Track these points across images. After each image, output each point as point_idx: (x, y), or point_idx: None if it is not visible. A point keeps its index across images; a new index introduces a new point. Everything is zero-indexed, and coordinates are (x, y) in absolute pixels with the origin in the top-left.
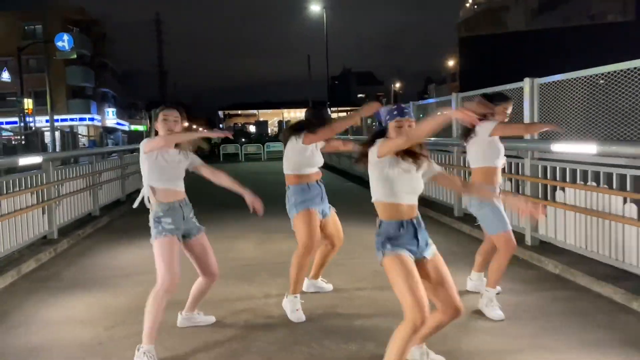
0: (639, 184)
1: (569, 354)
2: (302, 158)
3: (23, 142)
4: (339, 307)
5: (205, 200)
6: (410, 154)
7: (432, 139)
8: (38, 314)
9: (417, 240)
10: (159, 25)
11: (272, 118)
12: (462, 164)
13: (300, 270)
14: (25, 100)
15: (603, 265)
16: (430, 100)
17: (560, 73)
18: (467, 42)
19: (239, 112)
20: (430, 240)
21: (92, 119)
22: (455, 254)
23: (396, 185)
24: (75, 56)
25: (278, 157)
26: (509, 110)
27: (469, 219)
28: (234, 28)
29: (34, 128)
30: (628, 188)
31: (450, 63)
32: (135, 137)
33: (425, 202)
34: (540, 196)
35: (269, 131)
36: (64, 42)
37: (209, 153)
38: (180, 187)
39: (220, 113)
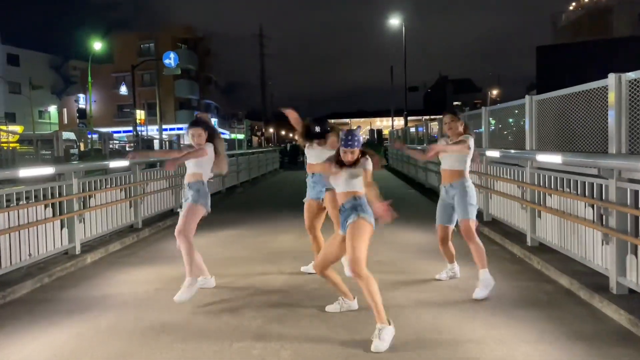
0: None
1: (523, 346)
2: None
3: (133, 149)
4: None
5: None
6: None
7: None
8: (114, 277)
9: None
10: (262, 39)
11: (364, 127)
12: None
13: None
14: (138, 111)
15: (575, 262)
16: (505, 105)
17: None
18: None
19: (332, 121)
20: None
21: None
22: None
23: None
24: (179, 72)
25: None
26: (450, 125)
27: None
28: (331, 39)
29: (142, 136)
30: (586, 193)
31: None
32: (235, 145)
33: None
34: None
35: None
36: (170, 59)
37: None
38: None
39: None
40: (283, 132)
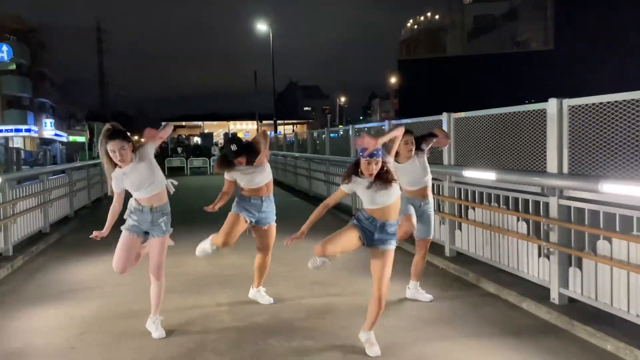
0: (529, 205)
1: (464, 342)
2: None
3: None
4: (282, 312)
5: None
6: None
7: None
8: (8, 325)
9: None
10: (100, 34)
11: (218, 130)
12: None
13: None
14: None
15: (505, 273)
16: (369, 125)
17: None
18: (405, 63)
19: (184, 123)
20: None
21: (28, 130)
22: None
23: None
24: (14, 67)
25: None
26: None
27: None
28: (181, 38)
29: None
30: (520, 209)
31: (393, 80)
32: (75, 149)
33: None
34: (456, 214)
35: (214, 143)
36: (2, 52)
37: None
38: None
39: (163, 124)
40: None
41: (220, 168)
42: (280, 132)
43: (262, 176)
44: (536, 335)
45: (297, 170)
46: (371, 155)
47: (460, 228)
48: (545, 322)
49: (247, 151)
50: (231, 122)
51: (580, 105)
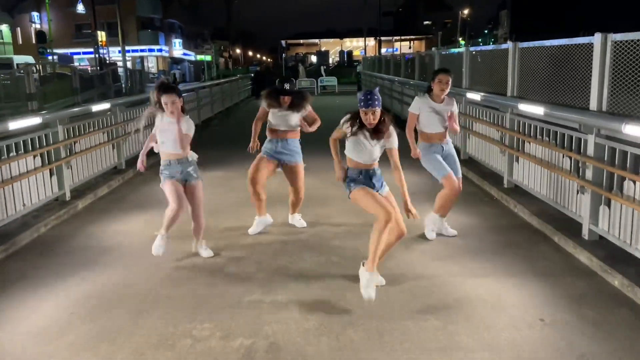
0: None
1: (489, 278)
2: None
3: (98, 74)
4: (323, 232)
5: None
6: (374, 131)
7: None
8: (109, 226)
9: (372, 182)
10: None
11: (334, 47)
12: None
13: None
14: (99, 32)
15: (551, 208)
16: (485, 48)
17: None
18: None
19: (301, 41)
20: (385, 183)
21: (160, 50)
22: None
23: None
24: None
25: (331, 92)
26: (446, 86)
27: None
28: None
29: (109, 60)
30: (565, 145)
31: None
32: (202, 67)
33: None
34: (514, 147)
35: (330, 61)
36: None
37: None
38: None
39: (283, 42)
40: (250, 53)
41: (268, 98)
42: (396, 49)
43: (290, 123)
44: (553, 268)
45: (403, 98)
46: (367, 106)
47: (517, 161)
48: (569, 255)
49: (297, 96)
50: (347, 39)
51: (627, 41)
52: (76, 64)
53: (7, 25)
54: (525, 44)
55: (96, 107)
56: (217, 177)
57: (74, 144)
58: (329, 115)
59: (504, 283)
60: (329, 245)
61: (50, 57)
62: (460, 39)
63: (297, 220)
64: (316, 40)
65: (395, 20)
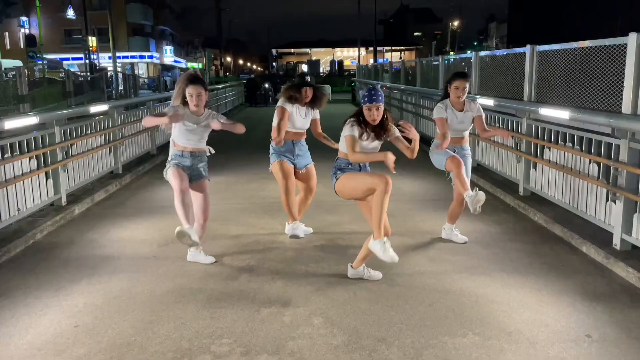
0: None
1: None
2: None
3: (89, 80)
4: (338, 239)
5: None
6: (378, 127)
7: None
8: (109, 232)
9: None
10: None
11: (325, 57)
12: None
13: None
14: (90, 38)
15: (574, 216)
16: (498, 52)
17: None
18: None
19: (292, 50)
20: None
21: (150, 57)
22: None
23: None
24: None
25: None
26: (458, 87)
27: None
28: None
29: (99, 66)
30: (593, 151)
31: None
32: None
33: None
34: (532, 153)
35: (321, 71)
36: None
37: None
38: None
39: (274, 51)
40: (241, 62)
41: (289, 91)
42: (387, 59)
43: (304, 121)
44: (585, 278)
45: (403, 106)
46: (371, 101)
47: (535, 167)
48: (601, 266)
49: (318, 90)
50: (337, 49)
51: None
52: (62, 70)
53: None
54: (545, 47)
55: (94, 109)
56: (218, 183)
57: (71, 147)
58: (327, 124)
59: (536, 295)
60: (346, 254)
61: (40, 62)
62: (450, 50)
63: (302, 230)
64: (307, 50)
65: (386, 31)
